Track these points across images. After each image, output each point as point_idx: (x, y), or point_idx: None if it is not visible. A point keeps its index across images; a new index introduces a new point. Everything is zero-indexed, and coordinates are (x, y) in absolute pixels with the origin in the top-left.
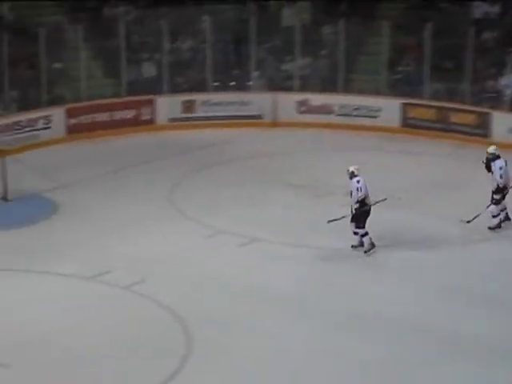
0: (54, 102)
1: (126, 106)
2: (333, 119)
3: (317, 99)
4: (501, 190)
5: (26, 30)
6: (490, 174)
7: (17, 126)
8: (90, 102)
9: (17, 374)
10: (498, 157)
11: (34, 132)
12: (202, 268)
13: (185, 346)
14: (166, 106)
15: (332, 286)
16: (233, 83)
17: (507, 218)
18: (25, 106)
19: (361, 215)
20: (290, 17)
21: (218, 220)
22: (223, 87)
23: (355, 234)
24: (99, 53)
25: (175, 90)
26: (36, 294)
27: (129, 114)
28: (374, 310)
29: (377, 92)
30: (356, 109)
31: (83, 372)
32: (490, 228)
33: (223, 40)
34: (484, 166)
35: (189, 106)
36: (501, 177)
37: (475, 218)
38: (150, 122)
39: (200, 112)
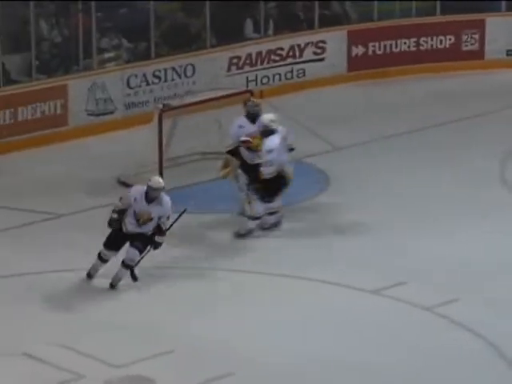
0: (330, 20)
1: (439, 30)
2: None
3: None
4: None
5: None
6: None
7: (274, 57)
8: (385, 23)
9: None
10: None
11: (300, 65)
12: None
13: None
14: (502, 30)
15: None
16: None
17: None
18: (287, 26)
19: None
20: None
21: None
22: None
23: None
24: None
25: None
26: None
27: (443, 41)
28: None
29: None
30: None
31: None
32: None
33: None
34: None
35: None
36: None
37: None
38: (477, 54)
39: None
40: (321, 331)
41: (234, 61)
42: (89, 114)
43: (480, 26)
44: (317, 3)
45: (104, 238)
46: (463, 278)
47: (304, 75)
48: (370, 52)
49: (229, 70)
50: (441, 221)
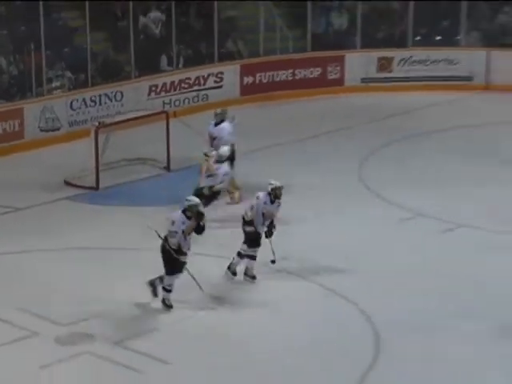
0: (227, 57)
1: (311, 64)
2: None
3: None
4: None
5: None
6: None
7: (184, 85)
8: (269, 58)
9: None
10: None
11: (203, 92)
12: (398, 260)
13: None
14: (358, 63)
15: None
16: (438, 38)
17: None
18: (193, 61)
19: None
20: None
21: (417, 201)
22: (427, 42)
23: None
24: None
25: (369, 45)
26: None
27: (313, 72)
28: None
29: None
30: None
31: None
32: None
33: None
34: None
35: (385, 64)
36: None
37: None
38: (339, 82)
39: (398, 71)
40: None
41: (153, 88)
42: (41, 130)
43: (341, 59)
44: (216, 43)
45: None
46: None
47: (207, 99)
48: (258, 81)
49: (149, 95)
50: (310, 208)
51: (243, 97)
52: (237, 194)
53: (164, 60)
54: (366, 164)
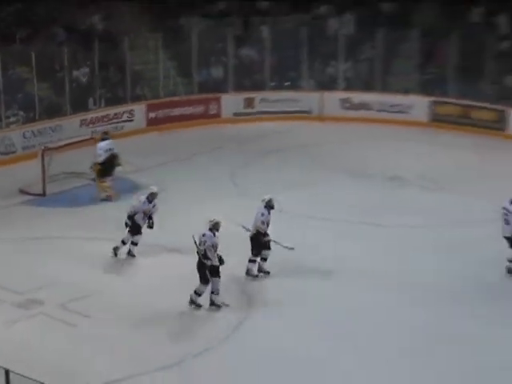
0: (136, 98)
1: (197, 103)
2: (372, 114)
3: (358, 97)
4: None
5: (114, 39)
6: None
7: (105, 119)
8: (167, 99)
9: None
10: None
11: (119, 124)
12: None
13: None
14: (231, 102)
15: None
16: (287, 83)
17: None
18: (112, 101)
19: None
20: (335, 27)
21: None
22: (279, 86)
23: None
24: (174, 57)
25: (238, 88)
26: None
27: (199, 109)
28: None
29: (409, 91)
30: (391, 105)
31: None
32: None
33: (279, 47)
34: None
35: (250, 103)
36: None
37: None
38: (217, 116)
39: (259, 107)
40: None
41: (83, 122)
42: (1, 154)
43: (218, 99)
44: (129, 88)
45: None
46: None
47: (122, 129)
48: (159, 115)
49: (80, 126)
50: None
51: (148, 127)
52: (110, 192)
53: (91, 101)
54: (235, 173)
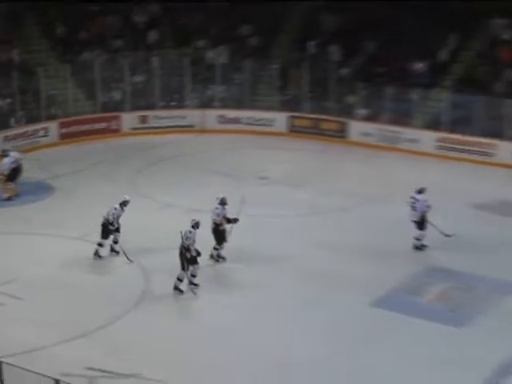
0: (50, 117)
1: (101, 120)
2: (242, 127)
3: (231, 113)
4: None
5: (29, 69)
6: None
7: (25, 135)
8: (76, 117)
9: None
10: None
11: (37, 139)
12: (156, 230)
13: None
14: (128, 119)
15: None
16: (174, 103)
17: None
18: (30, 120)
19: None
20: (212, 57)
21: (167, 197)
22: (167, 106)
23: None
24: (81, 83)
25: (134, 108)
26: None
27: (103, 125)
28: None
29: (272, 108)
30: (258, 120)
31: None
32: None
33: (167, 74)
34: None
35: (144, 119)
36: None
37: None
38: (118, 131)
39: (152, 123)
40: None
41: (7, 137)
42: None
43: (119, 117)
44: (44, 109)
45: None
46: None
47: (38, 143)
48: (70, 131)
49: (4, 141)
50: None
51: (61, 141)
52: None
53: (13, 120)
54: (135, 177)
